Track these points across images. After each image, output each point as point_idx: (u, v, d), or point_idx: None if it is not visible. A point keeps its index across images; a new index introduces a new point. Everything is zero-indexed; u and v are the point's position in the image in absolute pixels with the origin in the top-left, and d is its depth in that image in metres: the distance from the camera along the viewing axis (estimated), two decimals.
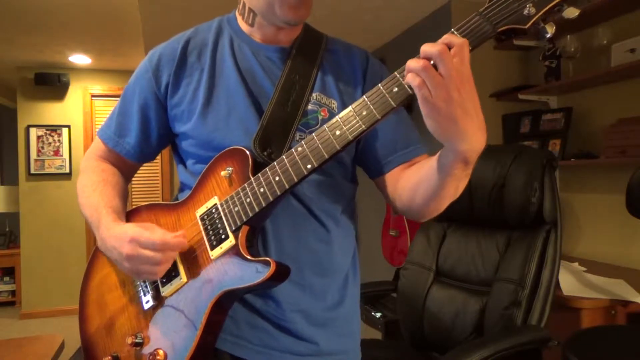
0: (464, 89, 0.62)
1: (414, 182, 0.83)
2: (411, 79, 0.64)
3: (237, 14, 0.96)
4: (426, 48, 0.63)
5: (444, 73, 0.62)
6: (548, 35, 0.66)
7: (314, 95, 0.89)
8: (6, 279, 4.82)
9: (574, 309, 1.74)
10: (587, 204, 2.44)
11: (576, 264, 2.21)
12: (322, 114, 0.88)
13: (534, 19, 0.64)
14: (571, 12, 0.64)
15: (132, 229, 0.80)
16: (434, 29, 2.90)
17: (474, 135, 0.65)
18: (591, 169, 2.41)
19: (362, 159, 0.95)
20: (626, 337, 1.49)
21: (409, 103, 0.69)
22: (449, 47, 0.63)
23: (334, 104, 0.90)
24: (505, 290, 1.46)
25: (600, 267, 2.17)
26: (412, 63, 0.64)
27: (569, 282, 1.87)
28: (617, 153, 2.09)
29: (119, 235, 0.81)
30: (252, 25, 0.92)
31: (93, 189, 0.92)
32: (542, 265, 1.45)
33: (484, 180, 1.63)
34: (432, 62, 0.63)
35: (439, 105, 0.62)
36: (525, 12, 0.64)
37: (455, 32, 0.65)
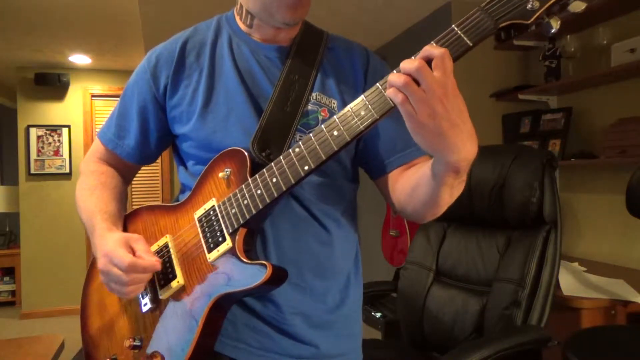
0: (448, 101, 0.60)
1: (410, 187, 0.83)
2: (393, 95, 0.62)
3: (235, 13, 0.95)
4: (405, 65, 0.61)
5: (426, 88, 0.60)
6: (553, 31, 0.63)
7: (313, 95, 0.88)
8: (6, 279, 4.82)
9: (574, 309, 1.74)
10: (587, 204, 2.44)
11: (576, 264, 2.21)
12: (322, 114, 0.87)
13: (538, 13, 0.62)
14: (578, 6, 0.61)
15: (109, 245, 0.80)
16: (434, 29, 2.90)
17: (463, 146, 0.63)
18: (591, 169, 2.41)
19: (362, 159, 0.94)
20: (626, 337, 1.49)
21: None
22: (429, 59, 0.61)
23: (334, 103, 0.89)
24: (505, 290, 1.46)
25: (600, 267, 2.17)
26: (393, 77, 0.62)
27: (569, 282, 1.87)
28: (617, 153, 2.09)
29: (99, 247, 0.82)
30: (250, 26, 0.91)
31: (90, 193, 0.92)
32: (542, 265, 1.45)
33: (484, 180, 1.63)
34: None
35: (424, 120, 0.61)
36: (529, 6, 0.62)
37: (456, 29, 0.63)
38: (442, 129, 0.61)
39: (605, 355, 1.36)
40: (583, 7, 0.62)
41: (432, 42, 0.63)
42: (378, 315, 2.09)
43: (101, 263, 0.79)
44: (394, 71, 0.63)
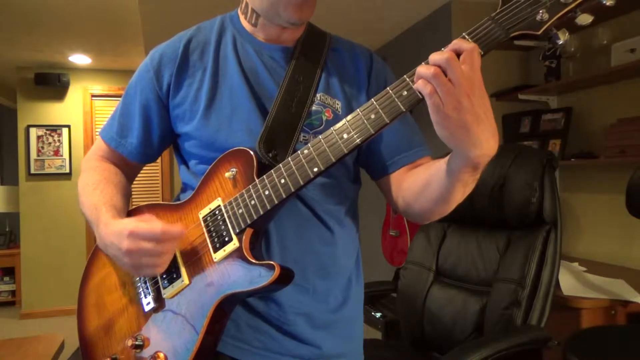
0: (474, 96, 0.61)
1: (419, 185, 0.82)
2: (422, 86, 0.63)
3: (239, 12, 0.95)
4: (434, 56, 0.62)
5: (454, 80, 0.61)
6: (560, 42, 0.64)
7: (318, 95, 0.88)
8: (6, 279, 4.81)
9: (574, 309, 1.74)
10: (587, 204, 2.44)
11: (576, 264, 2.21)
12: (327, 114, 0.88)
13: (547, 25, 0.63)
14: (585, 19, 0.63)
15: (131, 223, 0.78)
16: (434, 29, 2.90)
17: (485, 141, 0.64)
18: (591, 169, 2.41)
19: (365, 160, 0.94)
20: (626, 337, 1.50)
21: None
22: (459, 52, 0.62)
23: (338, 104, 0.89)
24: (505, 290, 1.47)
25: (600, 267, 2.17)
26: (422, 69, 0.63)
27: (569, 282, 1.87)
28: (617, 153, 2.09)
29: (117, 231, 0.78)
30: (255, 25, 0.91)
31: (94, 188, 0.91)
32: (542, 265, 1.45)
33: (484, 180, 1.62)
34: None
35: (450, 113, 0.62)
36: (538, 17, 0.63)
37: (467, 37, 0.64)
38: (467, 122, 0.62)
39: (605, 355, 1.37)
40: (590, 21, 0.63)
41: (443, 49, 0.64)
42: (378, 315, 2.10)
43: (127, 243, 0.76)
44: (423, 63, 0.64)
